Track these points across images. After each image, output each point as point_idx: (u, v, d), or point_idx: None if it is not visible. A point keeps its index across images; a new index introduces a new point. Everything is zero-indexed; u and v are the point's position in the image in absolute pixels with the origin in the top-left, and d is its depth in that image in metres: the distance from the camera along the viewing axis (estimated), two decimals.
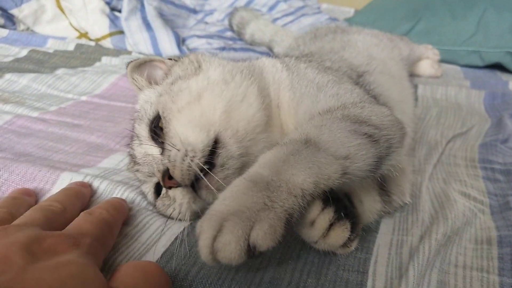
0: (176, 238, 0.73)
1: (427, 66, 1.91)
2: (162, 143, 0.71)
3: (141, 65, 0.89)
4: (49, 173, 0.86)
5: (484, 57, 2.07)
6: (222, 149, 0.68)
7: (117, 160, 0.98)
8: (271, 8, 2.40)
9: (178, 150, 0.66)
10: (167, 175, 0.67)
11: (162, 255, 0.69)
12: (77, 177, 0.86)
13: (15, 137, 1.03)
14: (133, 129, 0.80)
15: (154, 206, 0.78)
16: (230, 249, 0.47)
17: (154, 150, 0.72)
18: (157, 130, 0.73)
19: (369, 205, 0.74)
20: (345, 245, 0.65)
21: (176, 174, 0.66)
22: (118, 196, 0.83)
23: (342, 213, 0.63)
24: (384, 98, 1.00)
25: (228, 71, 0.79)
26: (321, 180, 0.55)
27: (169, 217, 0.75)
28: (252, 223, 0.48)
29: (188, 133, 0.68)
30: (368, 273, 0.66)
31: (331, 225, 0.62)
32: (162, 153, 0.71)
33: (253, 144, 0.73)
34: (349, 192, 0.72)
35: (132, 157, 0.77)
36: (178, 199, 0.71)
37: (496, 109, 1.48)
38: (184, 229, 0.75)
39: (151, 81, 0.87)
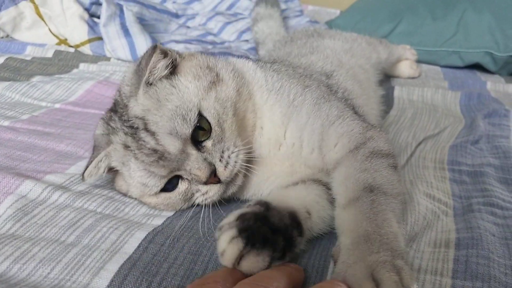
0: (139, 246, 0.73)
1: (406, 67, 1.92)
2: (199, 142, 0.78)
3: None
4: (13, 179, 0.87)
5: (464, 58, 2.09)
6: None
7: (84, 167, 0.98)
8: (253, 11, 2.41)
9: (232, 152, 0.79)
10: (214, 173, 0.78)
11: (124, 262, 0.69)
12: (39, 186, 0.86)
13: None
14: (143, 124, 0.77)
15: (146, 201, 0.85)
16: None
17: (192, 149, 0.78)
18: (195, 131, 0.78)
19: (318, 214, 0.77)
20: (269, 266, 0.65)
21: (226, 173, 0.78)
22: (78, 206, 0.84)
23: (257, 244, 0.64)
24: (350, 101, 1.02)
25: (233, 78, 0.87)
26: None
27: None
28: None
29: (237, 140, 0.82)
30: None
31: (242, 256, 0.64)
32: (199, 151, 0.78)
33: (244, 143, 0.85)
34: (293, 210, 0.73)
35: (158, 152, 0.75)
36: (213, 191, 0.80)
37: (471, 110, 1.50)
38: (147, 234, 0.75)
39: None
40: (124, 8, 1.88)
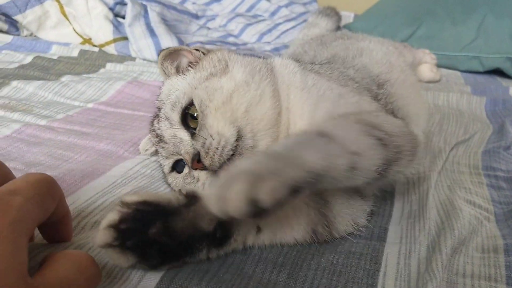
0: None
1: (426, 70, 1.92)
2: (193, 129, 0.81)
3: (171, 54, 0.95)
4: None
5: (484, 63, 2.09)
6: (241, 142, 0.78)
7: (127, 168, 0.99)
8: (273, 13, 2.42)
9: (213, 140, 0.77)
10: (196, 158, 0.78)
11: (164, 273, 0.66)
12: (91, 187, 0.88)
13: (24, 146, 1.04)
14: (159, 110, 0.90)
15: (167, 179, 0.91)
16: (238, 198, 0.49)
17: (184, 134, 0.82)
18: (186, 116, 0.83)
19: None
20: None
21: (207, 160, 0.77)
22: None
23: None
24: (403, 112, 1.03)
25: (249, 72, 0.87)
26: (330, 168, 0.59)
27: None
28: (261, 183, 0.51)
29: (224, 128, 0.78)
30: (377, 286, 0.67)
31: None
32: (192, 138, 0.80)
33: (263, 138, 0.82)
34: (325, 212, 0.75)
35: (158, 135, 0.87)
36: (202, 179, 0.80)
37: (497, 116, 1.50)
38: None
39: (178, 69, 0.95)
40: (149, 9, 1.89)
